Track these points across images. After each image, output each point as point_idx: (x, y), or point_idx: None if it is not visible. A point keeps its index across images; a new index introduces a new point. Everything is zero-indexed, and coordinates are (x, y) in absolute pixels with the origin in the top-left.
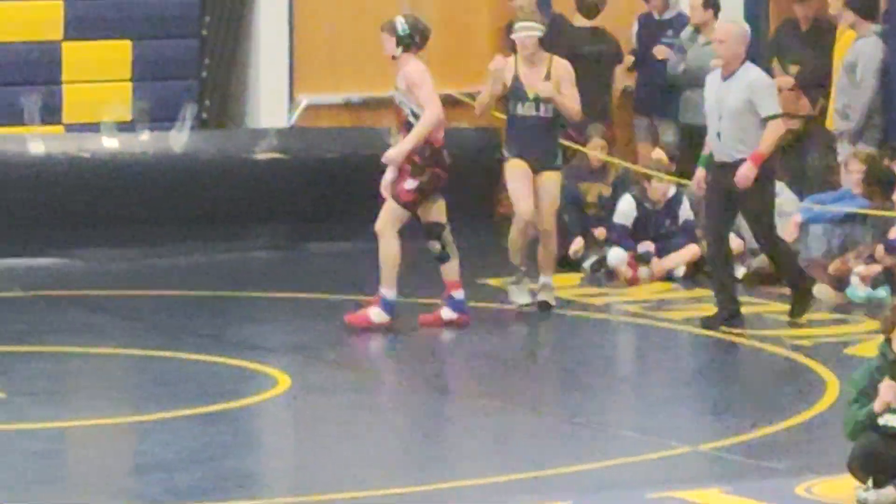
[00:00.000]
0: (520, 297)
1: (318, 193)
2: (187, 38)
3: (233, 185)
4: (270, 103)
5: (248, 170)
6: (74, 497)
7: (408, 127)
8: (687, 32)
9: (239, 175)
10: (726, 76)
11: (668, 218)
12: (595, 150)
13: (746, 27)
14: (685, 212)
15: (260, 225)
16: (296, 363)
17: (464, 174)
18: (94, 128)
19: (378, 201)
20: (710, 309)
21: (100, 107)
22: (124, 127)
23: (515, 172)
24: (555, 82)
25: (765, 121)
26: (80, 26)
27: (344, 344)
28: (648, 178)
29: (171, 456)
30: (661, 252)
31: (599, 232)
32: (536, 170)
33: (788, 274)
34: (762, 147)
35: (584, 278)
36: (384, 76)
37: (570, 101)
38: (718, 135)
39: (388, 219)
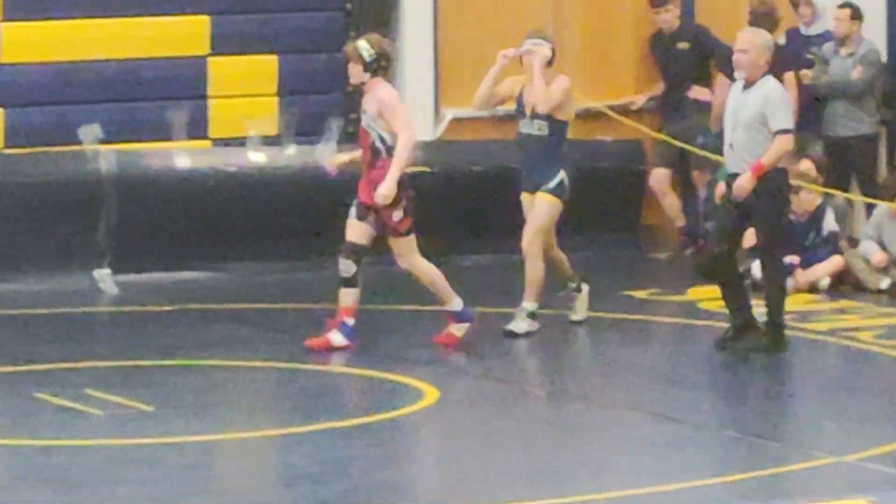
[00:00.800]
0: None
1: (464, 206)
2: (332, 53)
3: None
4: (415, 117)
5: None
6: None
7: (374, 152)
8: (830, 45)
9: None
10: (746, 87)
11: (813, 230)
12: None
13: (769, 37)
14: (829, 223)
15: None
16: (442, 375)
17: (608, 186)
18: (240, 142)
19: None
20: (855, 321)
21: (246, 121)
22: (270, 141)
23: (525, 213)
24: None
25: (774, 134)
26: (226, 41)
27: (490, 356)
28: (795, 190)
29: (318, 468)
30: (806, 264)
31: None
32: (533, 191)
33: (771, 305)
34: (765, 159)
35: None
36: None
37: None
38: (731, 145)
39: (406, 251)
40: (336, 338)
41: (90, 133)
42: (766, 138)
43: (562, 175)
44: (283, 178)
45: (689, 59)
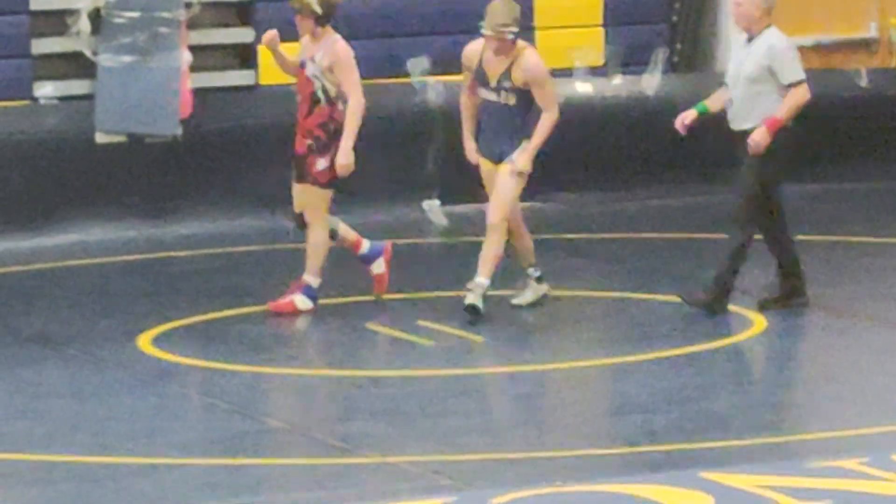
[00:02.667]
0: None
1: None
2: None
3: (702, 127)
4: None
5: (719, 113)
6: (554, 439)
7: (313, 101)
8: None
9: (709, 117)
10: (749, 40)
11: None
12: None
13: None
14: None
15: (728, 169)
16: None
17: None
18: (566, 73)
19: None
20: None
21: (572, 52)
22: (597, 71)
23: (484, 180)
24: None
25: (787, 87)
26: None
27: (816, 284)
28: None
29: (648, 397)
30: None
31: None
32: (496, 162)
33: (722, 268)
34: (779, 112)
35: None
36: (854, 18)
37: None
38: (731, 101)
39: (315, 205)
40: (300, 300)
41: (419, 65)
42: (771, 92)
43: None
44: (609, 108)
45: None
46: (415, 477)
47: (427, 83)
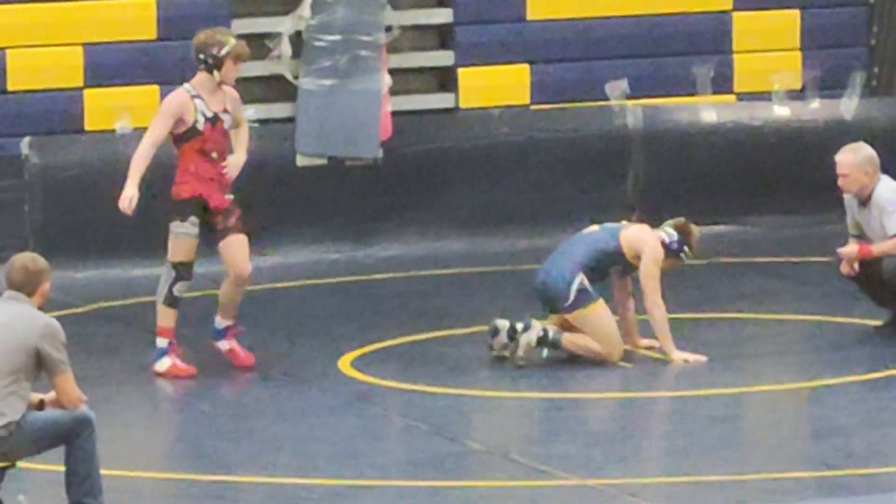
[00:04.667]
0: None
1: None
2: (856, 6)
3: None
4: None
5: None
6: (752, 462)
7: (229, 151)
8: None
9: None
10: (862, 202)
11: None
12: None
13: (867, 152)
14: None
15: None
16: None
17: None
18: (765, 96)
19: None
20: None
21: (770, 75)
22: (795, 95)
23: None
24: None
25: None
26: None
27: None
28: None
29: (846, 420)
30: None
31: None
32: None
33: None
34: (876, 248)
35: None
36: None
37: None
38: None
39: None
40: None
41: (617, 88)
42: None
43: None
44: (807, 132)
45: None
46: (613, 499)
47: (626, 105)
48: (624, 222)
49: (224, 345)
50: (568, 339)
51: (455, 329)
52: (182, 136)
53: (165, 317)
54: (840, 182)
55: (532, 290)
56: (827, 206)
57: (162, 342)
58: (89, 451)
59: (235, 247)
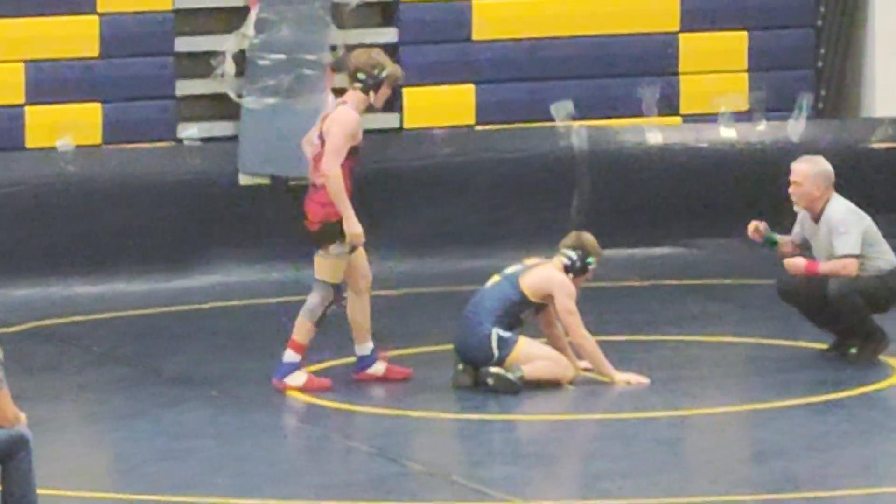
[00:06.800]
0: None
1: None
2: (803, 28)
3: (847, 174)
4: (886, 92)
5: (864, 159)
6: (696, 485)
7: None
8: None
9: (854, 164)
10: (814, 218)
11: None
12: None
13: (824, 166)
14: None
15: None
16: None
17: None
18: (711, 118)
19: None
20: None
21: (716, 97)
22: (741, 117)
23: None
24: None
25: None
26: (696, 17)
27: None
28: None
29: (790, 444)
30: None
31: None
32: None
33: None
34: (822, 267)
35: None
36: None
37: None
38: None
39: None
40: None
41: (563, 109)
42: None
43: None
44: (754, 154)
45: None
46: None
47: (571, 127)
48: (525, 262)
49: (379, 368)
50: (528, 371)
51: (398, 350)
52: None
53: (306, 334)
54: (791, 190)
55: (454, 352)
56: (772, 230)
57: (294, 357)
58: (25, 470)
59: (360, 255)
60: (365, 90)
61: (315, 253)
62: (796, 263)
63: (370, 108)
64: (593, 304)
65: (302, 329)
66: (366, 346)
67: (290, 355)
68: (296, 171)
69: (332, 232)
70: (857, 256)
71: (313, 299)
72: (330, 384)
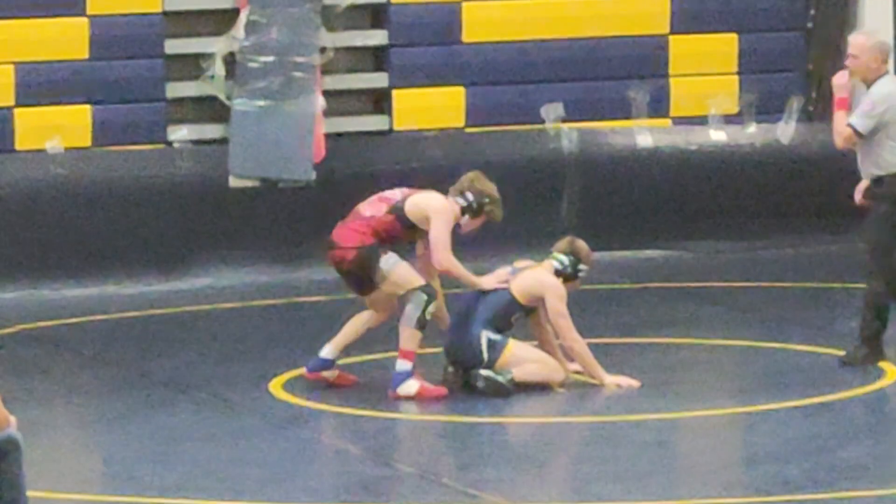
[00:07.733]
0: None
1: None
2: (794, 31)
3: (832, 178)
4: None
5: (853, 162)
6: (685, 488)
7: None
8: None
9: (842, 167)
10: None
11: None
12: None
13: (881, 38)
14: None
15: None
16: None
17: None
18: (701, 120)
19: None
20: None
21: (707, 99)
22: (731, 119)
23: None
24: None
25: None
26: (686, 20)
27: None
28: None
29: (781, 447)
30: None
31: None
32: None
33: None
34: (838, 111)
35: None
36: None
37: None
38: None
39: None
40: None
41: (553, 112)
42: (884, 139)
43: None
44: (744, 156)
45: None
46: None
47: (561, 129)
48: (515, 265)
49: (332, 374)
50: (518, 374)
51: (387, 352)
52: (421, 231)
53: (413, 340)
54: (848, 62)
55: (444, 355)
56: (762, 232)
57: (406, 365)
58: (16, 473)
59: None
60: (464, 210)
61: (364, 295)
62: (841, 77)
63: (455, 226)
64: (583, 307)
65: (407, 337)
66: (333, 353)
67: (401, 364)
68: (286, 173)
69: (371, 256)
70: (859, 135)
71: (408, 308)
72: (446, 392)
